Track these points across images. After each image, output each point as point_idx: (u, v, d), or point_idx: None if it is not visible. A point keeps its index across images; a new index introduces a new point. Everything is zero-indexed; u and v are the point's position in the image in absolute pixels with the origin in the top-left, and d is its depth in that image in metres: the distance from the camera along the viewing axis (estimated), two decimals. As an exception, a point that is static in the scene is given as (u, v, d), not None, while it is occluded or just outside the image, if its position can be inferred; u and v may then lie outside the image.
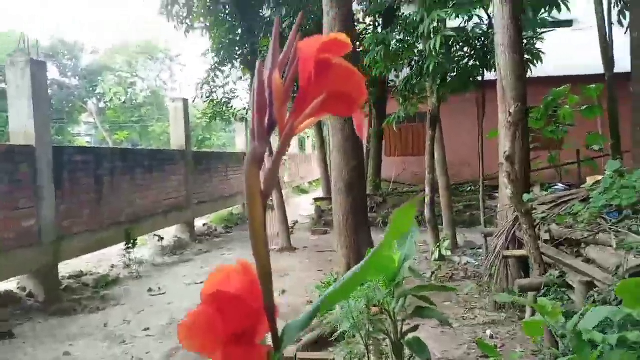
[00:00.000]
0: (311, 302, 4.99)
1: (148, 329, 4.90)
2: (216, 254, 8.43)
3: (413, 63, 7.62)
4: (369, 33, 8.22)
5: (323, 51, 0.47)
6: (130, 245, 7.22)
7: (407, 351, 2.43)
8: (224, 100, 10.05)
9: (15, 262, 5.32)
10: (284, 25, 8.24)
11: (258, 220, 0.52)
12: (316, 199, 11.12)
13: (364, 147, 10.15)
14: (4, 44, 26.86)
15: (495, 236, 4.91)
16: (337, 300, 0.55)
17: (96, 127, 33.97)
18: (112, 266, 7.43)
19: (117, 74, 32.12)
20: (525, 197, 4.43)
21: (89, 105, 32.88)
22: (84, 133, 37.68)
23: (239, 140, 14.21)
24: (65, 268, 6.79)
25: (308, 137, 25.16)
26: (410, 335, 2.33)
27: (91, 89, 31.99)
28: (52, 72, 29.24)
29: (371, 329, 2.44)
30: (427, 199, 7.07)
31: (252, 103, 0.52)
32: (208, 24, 9.74)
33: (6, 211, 5.21)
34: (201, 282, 6.54)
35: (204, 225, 11.30)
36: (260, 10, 9.44)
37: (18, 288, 5.78)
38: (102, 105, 33.02)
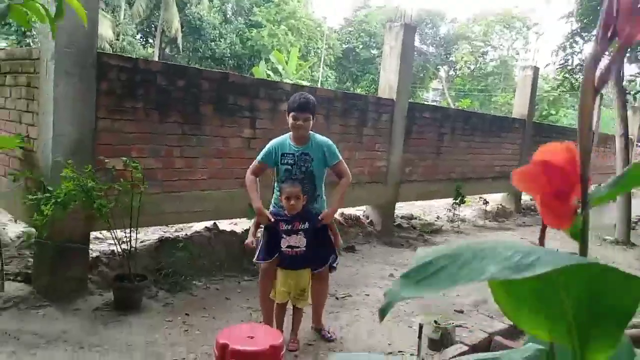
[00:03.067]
0: None
1: (461, 276, 5.30)
2: (537, 229, 8.13)
3: None
4: None
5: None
6: (457, 202, 7.71)
7: None
8: (578, 67, 9.23)
9: (367, 194, 6.50)
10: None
11: (587, 109, 0.69)
12: (678, 196, 9.18)
13: None
14: (381, 15, 31.13)
15: None
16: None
17: (443, 93, 36.09)
18: (438, 217, 8.15)
19: (472, 43, 32.96)
20: None
21: (441, 73, 35.09)
22: (431, 99, 40.66)
23: (589, 118, 12.79)
24: (400, 209, 7.85)
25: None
26: None
27: (445, 56, 33.96)
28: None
29: None
30: None
31: (601, 14, 0.67)
32: (577, -14, 8.99)
33: (367, 151, 6.38)
34: (518, 251, 6.52)
35: (532, 199, 10.92)
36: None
37: (363, 215, 7.06)
38: (451, 73, 34.73)
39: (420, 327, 3.36)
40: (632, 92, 9.46)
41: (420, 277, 0.60)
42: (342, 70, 32.36)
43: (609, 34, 0.66)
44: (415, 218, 7.86)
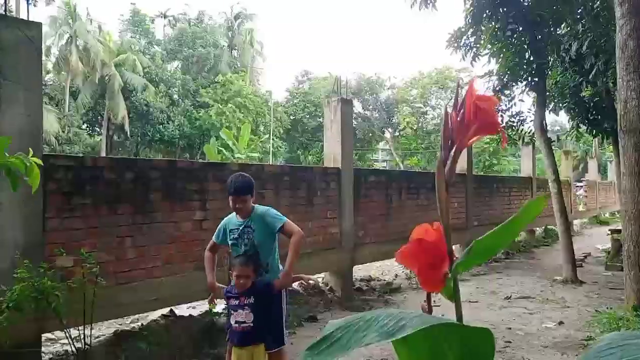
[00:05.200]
0: (590, 337, 4.61)
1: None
2: (492, 277, 8.43)
3: None
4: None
5: (477, 100, 0.82)
6: (411, 259, 7.91)
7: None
8: (509, 123, 9.98)
9: (323, 261, 6.61)
10: (573, 47, 7.83)
11: (442, 197, 0.90)
12: (612, 231, 9.80)
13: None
14: (323, 86, 32.61)
15: None
16: (494, 245, 0.86)
17: (391, 153, 37.52)
18: (396, 276, 8.31)
19: (411, 105, 34.87)
20: None
21: (386, 134, 36.64)
22: (381, 159, 42.15)
23: (526, 165, 13.67)
24: (358, 272, 7.96)
25: (610, 161, 21.96)
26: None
27: (388, 119, 35.62)
28: (357, 107, 33.82)
29: None
30: None
31: (441, 130, 0.89)
32: (495, 50, 9.89)
33: (319, 220, 6.57)
34: (475, 301, 6.73)
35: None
36: (554, 30, 9.06)
37: (322, 283, 7.13)
38: (396, 134, 36.33)
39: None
40: (554, 141, 10.26)
41: (320, 348, 0.76)
42: (292, 140, 33.22)
43: (449, 143, 0.88)
44: (374, 279, 7.99)
